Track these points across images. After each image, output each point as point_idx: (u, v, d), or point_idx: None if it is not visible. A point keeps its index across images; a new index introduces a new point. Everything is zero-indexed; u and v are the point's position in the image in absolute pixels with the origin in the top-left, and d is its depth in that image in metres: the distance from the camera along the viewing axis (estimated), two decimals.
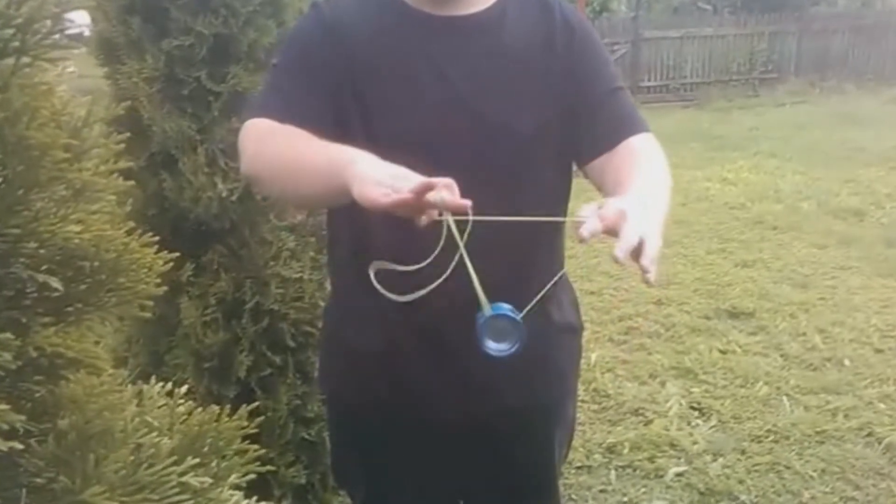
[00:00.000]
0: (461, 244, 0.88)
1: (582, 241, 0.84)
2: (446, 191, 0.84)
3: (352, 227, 1.19)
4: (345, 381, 1.31)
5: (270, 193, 1.27)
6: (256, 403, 0.66)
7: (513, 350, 0.92)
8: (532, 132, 1.15)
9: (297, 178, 1.03)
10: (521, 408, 1.27)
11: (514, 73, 1.15)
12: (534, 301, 0.96)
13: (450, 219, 0.86)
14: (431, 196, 0.82)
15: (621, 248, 0.83)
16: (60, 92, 0.58)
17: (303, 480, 1.91)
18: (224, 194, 1.73)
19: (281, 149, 1.06)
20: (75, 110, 0.58)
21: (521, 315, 0.92)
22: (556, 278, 1.02)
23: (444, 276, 0.93)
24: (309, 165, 1.00)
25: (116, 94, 1.74)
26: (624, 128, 1.14)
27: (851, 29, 11.99)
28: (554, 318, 1.27)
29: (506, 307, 0.92)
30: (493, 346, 0.92)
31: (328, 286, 1.89)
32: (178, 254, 0.67)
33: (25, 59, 0.51)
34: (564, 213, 1.21)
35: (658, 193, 1.01)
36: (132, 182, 0.63)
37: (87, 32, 1.84)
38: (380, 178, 0.86)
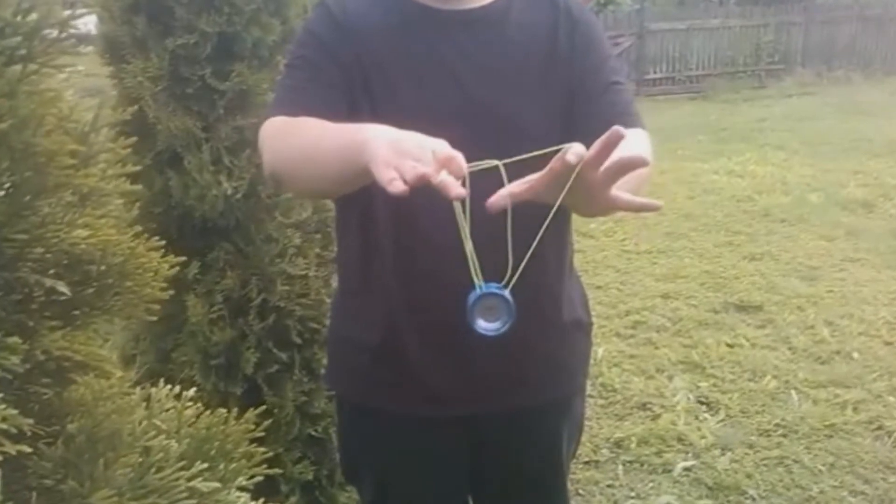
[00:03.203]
0: (466, 230, 0.87)
1: (569, 163, 0.81)
2: (448, 167, 0.81)
3: (359, 219, 1.20)
4: (351, 376, 1.32)
5: (296, 188, 1.26)
6: (264, 406, 0.67)
7: (503, 329, 0.92)
8: (538, 125, 1.15)
9: (319, 166, 1.02)
10: (528, 405, 1.27)
11: (518, 66, 1.16)
12: (518, 269, 0.95)
13: (458, 206, 0.85)
14: (433, 182, 0.80)
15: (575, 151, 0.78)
16: (67, 97, 0.58)
17: (310, 477, 1.92)
18: (229, 192, 1.73)
19: (298, 140, 1.07)
20: (82, 115, 0.58)
21: (509, 288, 0.92)
22: (535, 243, 0.97)
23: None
24: (327, 151, 0.99)
25: (122, 94, 1.75)
26: (614, 123, 1.13)
27: (858, 18, 11.91)
28: (564, 314, 1.27)
29: (496, 286, 0.92)
30: (483, 325, 0.92)
31: (333, 283, 1.89)
32: (184, 258, 0.68)
33: (32, 67, 0.51)
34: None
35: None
36: (139, 186, 0.63)
37: (93, 31, 1.85)
38: (387, 157, 0.83)
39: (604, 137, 0.79)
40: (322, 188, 1.17)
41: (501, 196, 0.83)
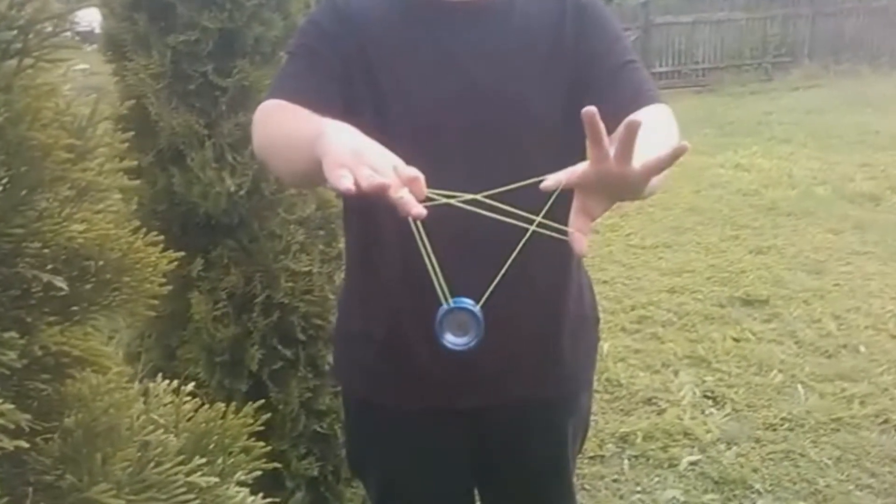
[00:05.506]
0: (426, 243, 0.87)
1: (547, 189, 0.82)
2: (410, 187, 0.79)
3: (362, 216, 1.20)
4: (357, 371, 1.32)
5: (276, 175, 1.27)
6: (262, 400, 0.66)
7: (472, 344, 0.92)
8: (545, 114, 1.15)
9: (287, 155, 1.03)
10: (533, 399, 1.27)
11: (522, 53, 1.15)
12: (492, 285, 0.95)
13: (418, 224, 0.85)
14: (391, 194, 0.78)
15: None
16: (64, 91, 0.58)
17: (315, 473, 1.92)
18: (232, 189, 1.73)
19: (276, 128, 1.07)
20: (79, 110, 0.58)
21: (480, 306, 0.92)
22: (521, 244, 0.95)
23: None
24: (296, 140, 0.99)
25: (123, 91, 1.75)
26: (635, 101, 1.10)
27: (865, 11, 11.83)
28: (570, 309, 1.26)
29: (467, 301, 0.92)
30: (452, 340, 0.93)
31: (337, 279, 1.90)
32: (182, 253, 0.67)
33: (28, 61, 0.51)
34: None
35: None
36: (137, 181, 0.63)
37: (97, 30, 1.85)
38: (342, 159, 0.81)
39: (588, 131, 0.78)
40: (293, 178, 1.17)
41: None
